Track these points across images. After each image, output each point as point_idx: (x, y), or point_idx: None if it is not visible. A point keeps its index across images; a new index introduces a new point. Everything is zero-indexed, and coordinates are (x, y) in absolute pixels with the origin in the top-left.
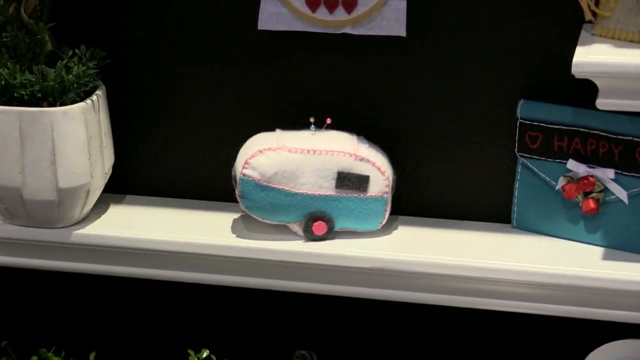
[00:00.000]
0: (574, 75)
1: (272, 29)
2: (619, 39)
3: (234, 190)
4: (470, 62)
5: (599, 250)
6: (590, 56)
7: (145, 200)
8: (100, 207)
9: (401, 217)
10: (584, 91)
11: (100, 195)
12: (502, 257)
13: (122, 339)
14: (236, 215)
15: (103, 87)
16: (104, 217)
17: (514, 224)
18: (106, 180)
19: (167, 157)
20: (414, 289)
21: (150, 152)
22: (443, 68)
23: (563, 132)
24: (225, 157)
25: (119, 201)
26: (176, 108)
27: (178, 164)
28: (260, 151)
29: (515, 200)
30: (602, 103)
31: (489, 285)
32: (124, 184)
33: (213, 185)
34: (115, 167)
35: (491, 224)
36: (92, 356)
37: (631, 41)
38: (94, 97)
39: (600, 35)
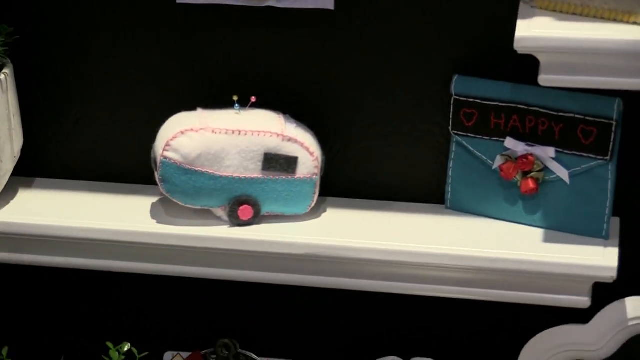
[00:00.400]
0: (511, 50)
1: (192, 2)
2: (561, 12)
3: (152, 172)
4: (401, 34)
5: (538, 232)
6: (534, 30)
7: (57, 183)
8: (8, 192)
9: (329, 199)
10: (523, 67)
11: (9, 179)
12: (436, 240)
13: (36, 331)
14: (155, 199)
15: (10, 65)
16: (13, 203)
17: (448, 205)
18: (15, 164)
19: (79, 138)
20: (345, 275)
21: (61, 132)
22: (372, 41)
23: (500, 108)
24: (142, 137)
25: (28, 185)
26: (89, 86)
27: (91, 144)
28: (182, 132)
29: (449, 181)
30: (544, 79)
31: (422, 270)
32: (34, 167)
33: (129, 167)
34: (24, 149)
35: (424, 205)
36: (4, 351)
37: (573, 14)
38: (1, 76)
39: (540, 8)
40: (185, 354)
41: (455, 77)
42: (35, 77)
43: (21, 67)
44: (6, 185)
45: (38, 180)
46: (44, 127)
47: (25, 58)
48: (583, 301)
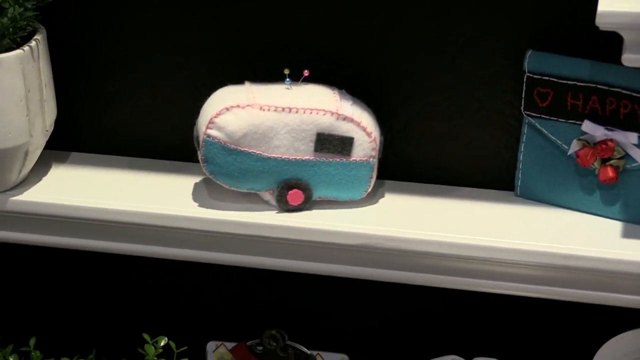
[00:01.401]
0: (592, 24)
1: None
2: None
3: (196, 150)
4: (471, 2)
5: (616, 225)
6: (618, 5)
7: (92, 159)
8: (40, 168)
9: (388, 183)
10: (605, 43)
11: (42, 154)
12: (503, 232)
13: (66, 322)
14: (198, 179)
15: (43, 31)
16: (45, 181)
17: (518, 192)
18: (47, 138)
19: (117, 111)
20: (403, 268)
21: (98, 104)
22: (438, 9)
23: (578, 88)
24: (186, 110)
25: (62, 160)
26: (128, 55)
27: (130, 118)
28: (227, 108)
29: (519, 166)
30: (629, 59)
31: (488, 265)
32: (69, 141)
33: (171, 143)
34: (58, 122)
35: (492, 191)
36: (32, 342)
37: None
38: (33, 44)
39: None
40: (230, 345)
41: (529, 53)
42: (70, 45)
43: (55, 33)
44: (39, 159)
45: (73, 154)
46: (80, 98)
47: (59, 24)
48: None
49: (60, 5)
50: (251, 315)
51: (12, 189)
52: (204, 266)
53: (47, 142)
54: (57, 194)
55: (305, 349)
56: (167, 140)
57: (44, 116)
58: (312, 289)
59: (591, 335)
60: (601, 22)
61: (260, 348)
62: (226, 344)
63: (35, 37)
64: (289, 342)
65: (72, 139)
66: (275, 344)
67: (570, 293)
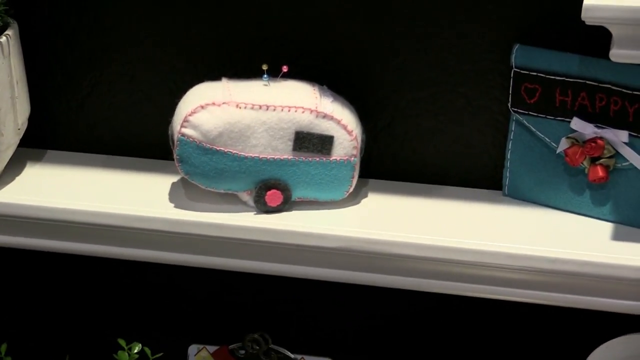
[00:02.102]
0: (581, 18)
1: None
2: None
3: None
4: None
5: (606, 227)
6: None
7: (67, 157)
8: (13, 167)
9: (371, 182)
10: (594, 38)
11: (15, 152)
12: (490, 235)
13: (39, 320)
14: (175, 179)
15: (15, 25)
16: (18, 181)
17: (506, 192)
18: (20, 136)
19: (93, 107)
20: (385, 271)
21: (73, 101)
22: (423, 3)
23: (567, 84)
24: (163, 107)
25: (36, 159)
26: (105, 49)
27: (107, 114)
28: (202, 106)
29: (507, 164)
30: (617, 54)
31: (475, 269)
32: (43, 139)
33: (149, 140)
34: (32, 118)
35: (479, 190)
36: (2, 348)
37: None
38: (3, 39)
39: None
40: (212, 348)
41: (516, 47)
42: (45, 40)
43: (28, 28)
44: (12, 157)
45: (48, 152)
46: (55, 94)
47: (32, 17)
48: None
49: None
50: (234, 319)
51: None
52: (184, 269)
53: (21, 139)
54: (31, 194)
55: (289, 353)
56: (144, 138)
57: (16, 114)
58: (296, 291)
59: (581, 341)
60: (587, 16)
61: (242, 352)
62: (208, 347)
63: (6, 32)
64: (272, 346)
65: (47, 137)
66: (258, 347)
67: (559, 298)
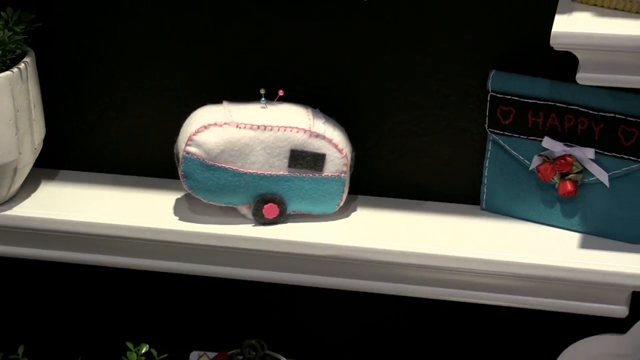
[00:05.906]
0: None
1: None
2: (602, 7)
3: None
4: (437, 28)
5: (575, 237)
6: (571, 26)
7: (79, 176)
8: (29, 184)
9: (360, 197)
10: (563, 63)
11: (31, 171)
12: (468, 244)
13: (53, 330)
14: (179, 195)
15: (32, 53)
16: (34, 196)
17: (483, 206)
18: (36, 156)
19: (103, 129)
20: (374, 278)
21: (85, 124)
22: (407, 34)
23: (538, 106)
24: (168, 129)
25: (50, 177)
26: (113, 77)
27: (115, 137)
28: (205, 126)
29: (485, 181)
30: (583, 77)
31: (454, 275)
32: (57, 159)
33: (155, 160)
34: (46, 140)
35: (458, 205)
36: (20, 350)
37: (615, 9)
38: (22, 65)
39: (581, 2)
40: (212, 354)
41: (492, 73)
42: (58, 67)
43: (44, 55)
44: (28, 176)
45: (61, 172)
46: (68, 118)
47: (48, 46)
48: (621, 310)
49: (48, 29)
50: (232, 325)
51: (1, 204)
52: (186, 278)
53: (37, 160)
54: (45, 209)
55: (284, 358)
56: (151, 158)
57: (33, 135)
58: (292, 299)
59: (551, 343)
60: (555, 42)
61: (240, 357)
62: (208, 353)
63: (25, 59)
64: (268, 352)
65: (60, 157)
66: (254, 353)
67: (530, 301)
